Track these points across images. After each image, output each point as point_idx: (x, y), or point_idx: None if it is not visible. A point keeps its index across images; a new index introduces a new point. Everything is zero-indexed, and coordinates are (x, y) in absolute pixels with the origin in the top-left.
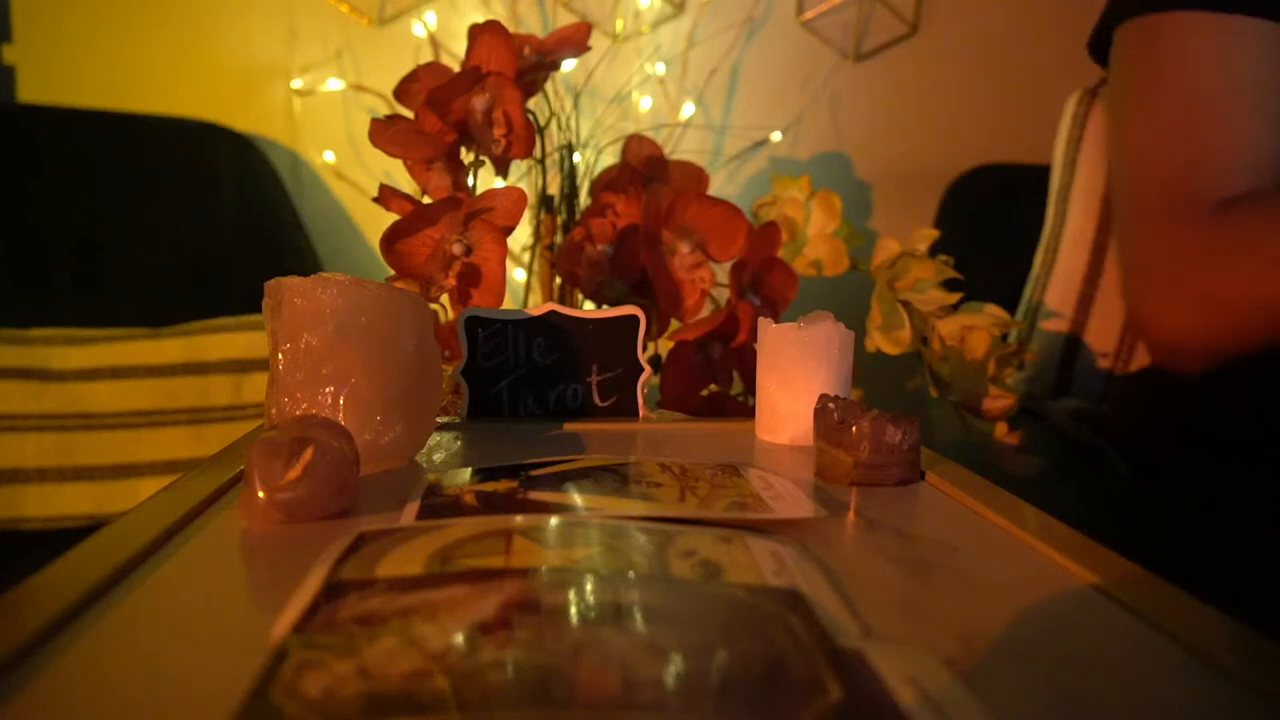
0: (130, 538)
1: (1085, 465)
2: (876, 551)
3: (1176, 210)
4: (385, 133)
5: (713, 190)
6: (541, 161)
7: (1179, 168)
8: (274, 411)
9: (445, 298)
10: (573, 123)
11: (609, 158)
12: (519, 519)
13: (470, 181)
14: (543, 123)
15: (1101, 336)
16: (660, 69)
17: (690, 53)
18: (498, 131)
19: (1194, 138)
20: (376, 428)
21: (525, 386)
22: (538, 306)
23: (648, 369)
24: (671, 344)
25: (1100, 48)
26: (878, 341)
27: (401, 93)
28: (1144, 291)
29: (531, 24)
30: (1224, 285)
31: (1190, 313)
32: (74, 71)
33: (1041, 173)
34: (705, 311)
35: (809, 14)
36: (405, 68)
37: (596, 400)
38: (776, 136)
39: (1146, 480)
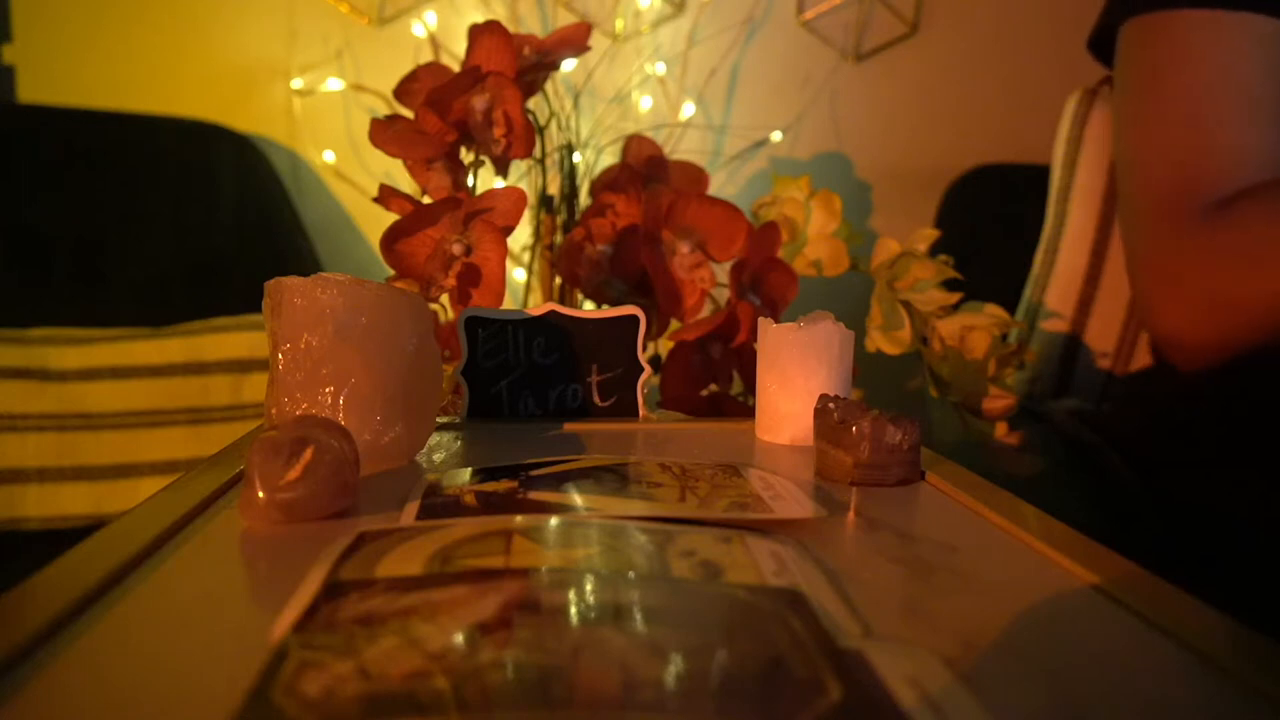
0: (130, 538)
1: (1085, 465)
2: (876, 551)
3: (1179, 209)
4: (385, 133)
5: (713, 190)
6: (541, 161)
7: (1181, 166)
8: (274, 411)
9: (445, 298)
10: (573, 123)
11: (609, 158)
12: (519, 519)
13: (470, 181)
14: (543, 123)
15: (1101, 336)
16: (660, 69)
17: (690, 53)
18: (498, 131)
19: (1196, 136)
20: (376, 428)
21: (525, 386)
22: (538, 306)
23: (648, 369)
24: (671, 344)
25: (1101, 46)
26: (878, 341)
27: (401, 93)
28: (1150, 290)
29: (531, 24)
30: (1228, 283)
31: (1195, 311)
32: (74, 71)
33: (1041, 173)
34: (705, 311)
35: (809, 14)
36: (405, 68)
37: (596, 400)
38: (776, 136)
39: (1146, 480)
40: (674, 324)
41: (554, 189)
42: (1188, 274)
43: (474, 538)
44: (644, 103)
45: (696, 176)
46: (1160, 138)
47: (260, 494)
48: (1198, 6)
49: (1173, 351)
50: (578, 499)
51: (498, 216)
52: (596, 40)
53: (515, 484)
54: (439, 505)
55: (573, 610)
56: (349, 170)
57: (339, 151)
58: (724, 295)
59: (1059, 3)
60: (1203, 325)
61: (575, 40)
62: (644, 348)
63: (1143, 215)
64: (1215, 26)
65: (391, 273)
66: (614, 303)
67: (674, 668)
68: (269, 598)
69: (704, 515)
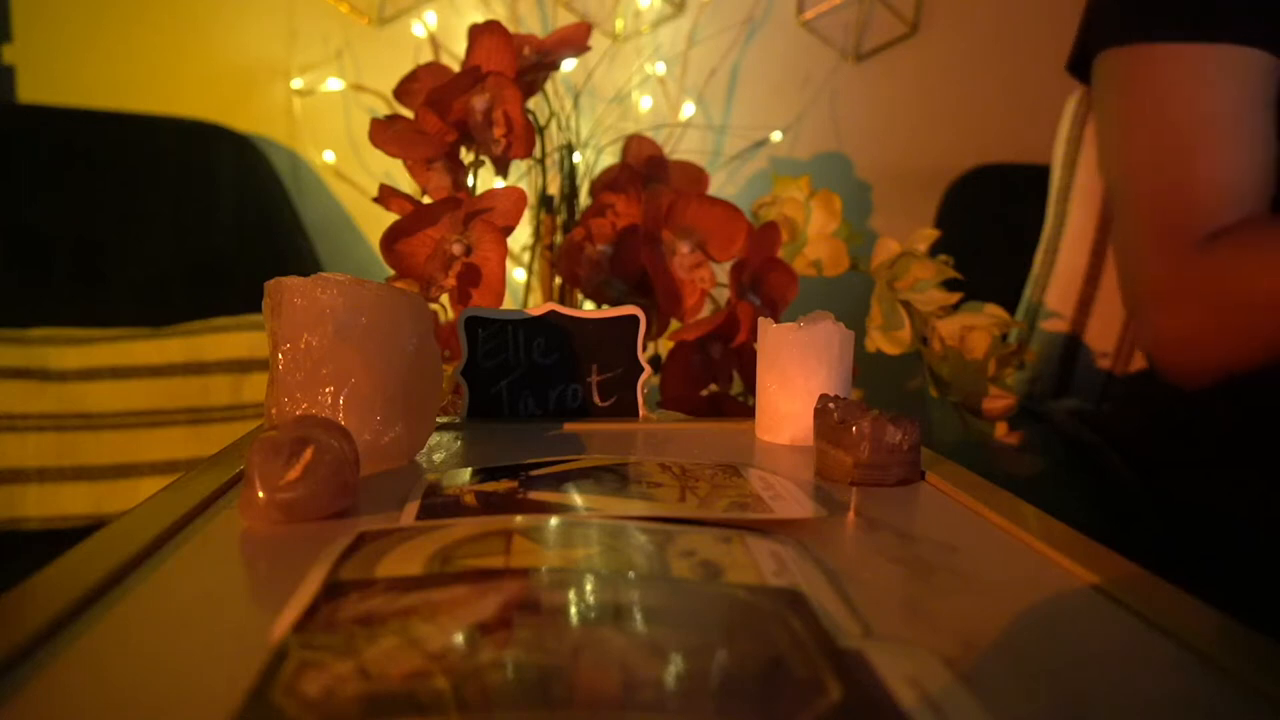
0: (130, 538)
1: (1085, 465)
2: (876, 551)
3: (1171, 237)
4: (385, 133)
5: (713, 190)
6: (541, 161)
7: (1167, 201)
8: (274, 411)
9: (445, 298)
10: (573, 123)
11: (609, 158)
12: (519, 519)
13: (470, 181)
14: (543, 123)
15: (1101, 336)
16: (660, 69)
17: (690, 53)
18: (498, 131)
19: (1180, 170)
20: (376, 428)
21: (525, 386)
22: (538, 306)
23: (648, 369)
24: (671, 344)
25: (1079, 67)
26: (878, 341)
27: (401, 93)
28: (1142, 312)
29: (531, 24)
30: (1216, 313)
31: (1184, 337)
32: (74, 71)
33: (1041, 173)
34: (705, 311)
35: (809, 14)
36: (405, 68)
37: (596, 400)
38: (776, 136)
39: (1146, 480)
40: (674, 324)
41: (554, 189)
42: (1185, 294)
43: (474, 538)
44: (644, 103)
45: (696, 176)
46: (1146, 169)
47: (260, 494)
48: (1174, 40)
49: (1172, 368)
50: (578, 499)
51: (498, 216)
52: (596, 40)
53: (515, 484)
54: (439, 505)
55: (573, 610)
56: (349, 170)
57: (339, 151)
58: (724, 295)
59: (1059, 3)
60: (1194, 348)
61: (575, 40)
62: (644, 348)
63: (1137, 242)
64: (1192, 58)
65: (391, 273)
66: (614, 303)
67: (674, 668)
68: (269, 598)
69: (704, 515)
